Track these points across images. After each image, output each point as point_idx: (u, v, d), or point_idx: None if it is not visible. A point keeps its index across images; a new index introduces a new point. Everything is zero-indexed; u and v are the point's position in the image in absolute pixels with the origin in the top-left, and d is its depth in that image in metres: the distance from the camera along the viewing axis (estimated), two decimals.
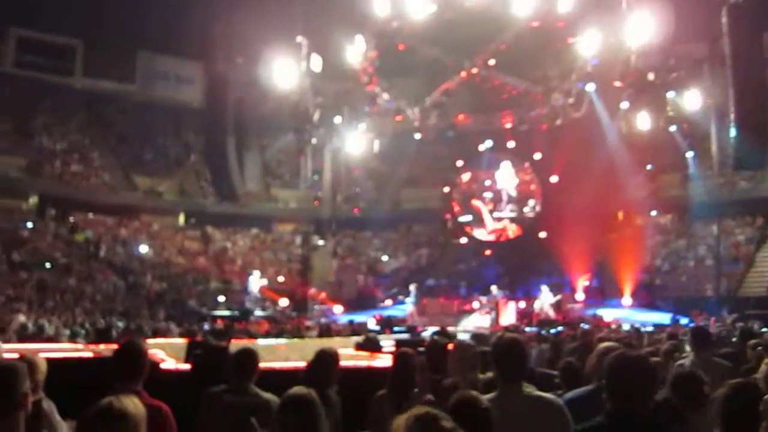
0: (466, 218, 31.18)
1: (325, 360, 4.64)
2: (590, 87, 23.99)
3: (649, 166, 28.03)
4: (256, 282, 24.51)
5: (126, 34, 35.15)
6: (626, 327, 16.44)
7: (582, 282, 24.92)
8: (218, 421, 4.17)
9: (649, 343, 10.29)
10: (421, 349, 6.21)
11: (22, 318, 17.28)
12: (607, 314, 20.91)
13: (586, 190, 25.23)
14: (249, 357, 4.32)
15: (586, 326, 16.10)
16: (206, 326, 17.29)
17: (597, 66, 23.29)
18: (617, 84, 23.81)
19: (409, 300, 23.14)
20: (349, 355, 7.32)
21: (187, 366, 6.28)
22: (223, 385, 4.33)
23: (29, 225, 27.60)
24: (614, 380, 2.91)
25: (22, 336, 13.74)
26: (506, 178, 30.49)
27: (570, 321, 18.76)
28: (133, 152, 35.92)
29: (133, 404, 2.49)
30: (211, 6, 30.94)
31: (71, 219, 30.03)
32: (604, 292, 25.16)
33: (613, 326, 18.19)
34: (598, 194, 25.66)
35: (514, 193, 30.43)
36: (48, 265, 24.67)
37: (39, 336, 12.81)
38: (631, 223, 28.90)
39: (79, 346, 9.58)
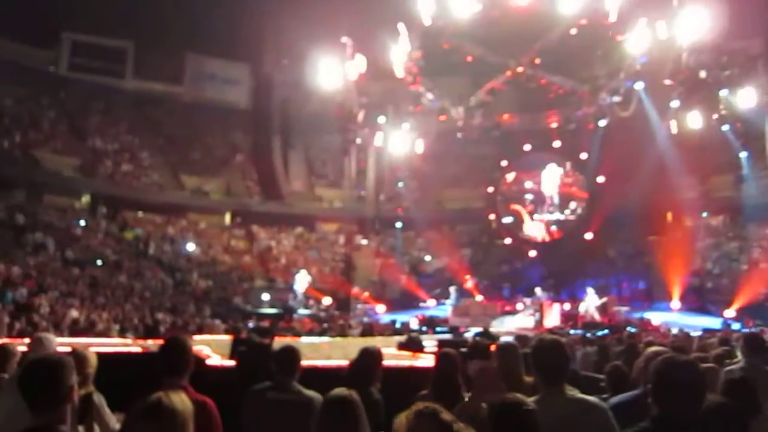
0: (508, 219, 30.88)
1: (369, 358, 4.66)
2: (639, 85, 23.46)
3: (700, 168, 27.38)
4: (302, 281, 24.73)
5: (175, 37, 35.94)
6: (674, 331, 16.05)
7: (629, 284, 24.42)
8: (262, 418, 4.22)
9: (699, 348, 10.02)
10: (464, 349, 6.19)
11: (74, 313, 17.81)
12: (655, 318, 20.41)
13: (634, 190, 24.71)
14: (291, 354, 4.36)
15: (633, 330, 15.74)
16: (251, 324, 17.56)
17: (646, 64, 22.77)
18: (667, 82, 23.23)
19: (449, 302, 22.99)
20: (392, 355, 7.34)
21: (231, 362, 6.38)
22: (267, 381, 4.38)
23: (82, 223, 28.41)
24: (660, 384, 2.81)
25: (75, 330, 14.19)
26: (551, 179, 30.08)
27: (616, 324, 18.38)
28: (181, 152, 36.65)
29: (181, 400, 2.54)
30: (258, 9, 31.37)
31: (121, 217, 30.84)
32: (651, 294, 24.59)
33: (661, 330, 17.79)
34: (647, 195, 25.09)
35: (558, 194, 29.99)
36: (99, 262, 25.34)
37: (90, 331, 13.17)
38: (680, 224, 28.22)
39: (128, 341, 9.81)
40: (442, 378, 4.81)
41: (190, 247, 30.63)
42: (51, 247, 24.52)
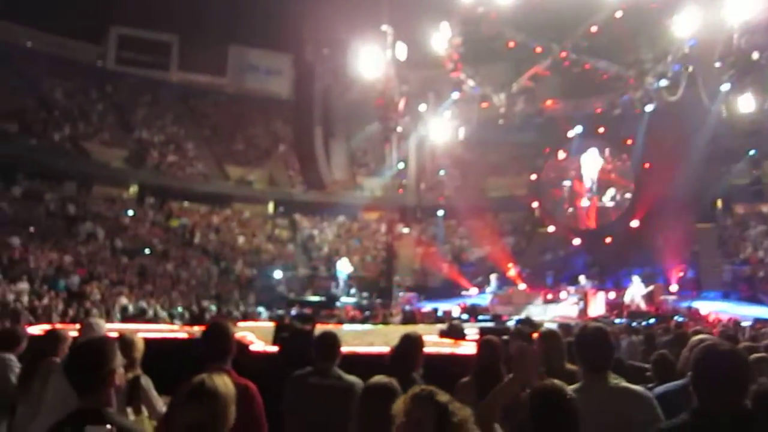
0: (559, 209, 30.37)
1: (410, 344, 4.67)
2: (687, 69, 22.76)
3: (752, 152, 26.49)
4: (344, 267, 24.90)
5: (218, 29, 36.50)
6: (724, 320, 15.63)
7: (676, 273, 23.86)
8: (303, 402, 4.28)
9: (750, 338, 9.75)
10: (506, 337, 6.15)
11: (124, 300, 18.32)
12: (704, 307, 19.90)
13: (682, 177, 24.07)
14: (330, 340, 4.41)
15: (681, 319, 15.39)
16: (293, 311, 17.77)
17: (695, 47, 22.03)
18: (717, 65, 22.47)
19: (490, 290, 22.82)
20: (433, 342, 7.34)
21: (274, 348, 6.48)
22: (309, 367, 4.43)
23: (130, 213, 29.14)
24: (699, 374, 2.65)
25: (124, 317, 14.60)
26: (593, 165, 29.53)
27: (663, 313, 17.99)
28: (225, 143, 37.21)
29: (224, 383, 2.61)
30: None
31: (168, 207, 31.53)
32: (700, 283, 23.99)
33: (710, 319, 17.36)
34: (695, 181, 24.43)
35: (601, 181, 29.42)
36: (147, 251, 25.97)
37: (140, 317, 13.53)
38: (730, 212, 27.41)
39: (176, 327, 10.04)
40: (483, 365, 4.80)
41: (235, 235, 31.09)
42: (101, 236, 25.24)
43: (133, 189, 31.74)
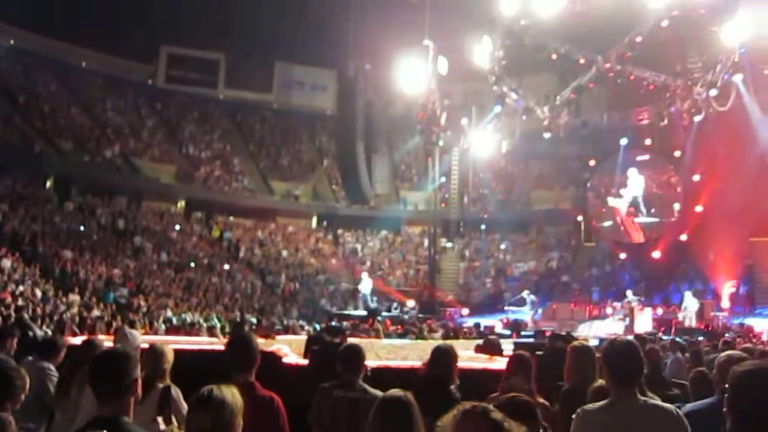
0: (607, 223, 29.63)
1: (441, 356, 4.63)
2: (738, 78, 22.12)
3: None
4: (366, 286, 24.61)
5: (264, 47, 37.18)
6: None
7: (728, 288, 23.06)
8: (329, 414, 4.28)
9: None
10: (540, 352, 6.04)
11: (168, 312, 18.70)
12: (758, 324, 19.17)
13: (734, 189, 23.34)
14: (354, 353, 4.41)
15: (731, 336, 14.84)
16: (333, 324, 17.75)
17: (745, 54, 21.41)
18: None
19: (528, 306, 22.44)
20: (468, 357, 7.26)
21: (305, 361, 6.50)
22: (336, 380, 4.43)
23: (177, 227, 29.79)
24: (736, 395, 2.44)
25: (168, 329, 14.89)
26: (637, 180, 28.82)
27: (713, 330, 17.40)
28: (270, 158, 37.78)
29: (231, 393, 2.64)
30: (343, 15, 31.90)
31: (214, 222, 32.13)
32: (753, 299, 23.14)
33: (764, 337, 16.70)
34: (748, 193, 23.66)
35: (649, 194, 28.70)
36: (193, 264, 26.47)
37: (182, 329, 13.77)
38: None
39: (215, 339, 10.18)
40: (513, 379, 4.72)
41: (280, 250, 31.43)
42: (149, 250, 25.83)
43: (181, 204, 32.46)
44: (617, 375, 3.25)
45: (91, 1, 31.68)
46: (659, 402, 3.32)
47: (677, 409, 3.22)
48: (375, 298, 25.94)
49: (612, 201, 29.53)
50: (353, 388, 4.27)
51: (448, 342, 7.37)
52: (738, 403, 2.44)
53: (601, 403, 3.23)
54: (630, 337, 3.77)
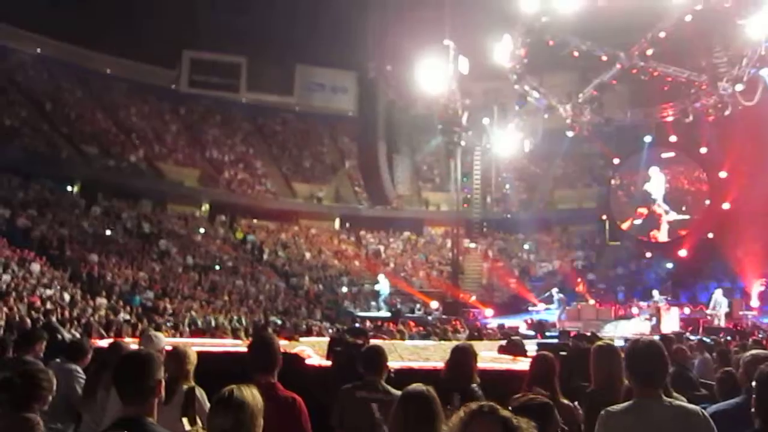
0: (637, 221, 29.23)
1: (462, 355, 4.64)
2: (765, 72, 21.68)
3: None
4: (383, 286, 24.60)
5: (285, 50, 37.38)
6: None
7: (757, 287, 22.63)
8: (351, 415, 4.29)
9: None
10: (563, 353, 5.99)
11: (193, 314, 18.87)
12: None
13: (762, 185, 22.92)
14: (376, 354, 4.42)
15: (761, 336, 14.57)
16: (357, 326, 17.77)
17: None
18: None
19: (553, 307, 22.21)
20: (491, 358, 7.23)
21: (328, 362, 6.52)
22: (359, 381, 4.44)
23: (201, 230, 30.05)
24: (763, 395, 2.50)
25: (193, 331, 15.02)
26: (660, 178, 28.46)
27: (742, 330, 17.08)
28: (292, 160, 37.98)
29: (251, 394, 2.67)
30: (363, 16, 31.95)
31: (237, 225, 32.38)
32: None
33: None
34: None
35: (670, 191, 28.34)
36: (217, 267, 26.68)
37: (207, 331, 13.88)
38: None
39: (239, 341, 10.24)
40: (536, 380, 4.69)
41: (303, 251, 31.59)
42: (174, 253, 26.09)
43: (205, 207, 32.75)
44: (640, 376, 3.22)
45: (113, 8, 32.10)
46: (684, 403, 3.27)
47: (703, 410, 3.17)
48: (396, 299, 25.98)
49: (636, 200, 29.19)
50: (375, 389, 4.27)
51: (468, 342, 7.35)
52: (760, 401, 2.41)
53: (625, 404, 3.19)
54: (654, 337, 3.71)
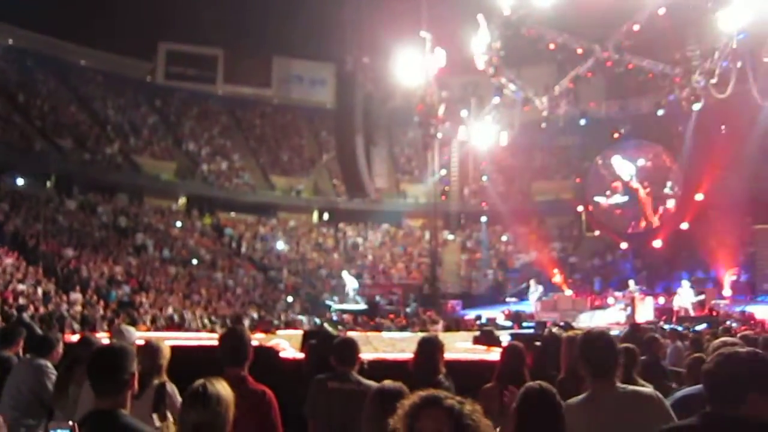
0: (621, 199, 29.49)
1: (428, 347, 4.66)
2: (737, 65, 22.00)
3: None
4: (350, 281, 24.38)
5: (262, 42, 37.12)
6: None
7: (729, 276, 23.04)
8: (323, 406, 4.31)
9: None
10: (537, 343, 6.07)
11: (170, 310, 18.75)
12: (759, 311, 19.15)
13: (735, 176, 23.28)
14: (348, 346, 4.43)
15: (733, 324, 14.85)
16: (334, 318, 17.85)
17: (745, 41, 21.27)
18: None
19: (532, 296, 22.37)
20: (465, 349, 7.30)
21: (302, 355, 6.54)
22: (331, 373, 4.46)
23: (178, 224, 29.82)
24: (711, 378, 2.51)
25: (169, 326, 14.94)
26: (626, 167, 28.87)
27: (715, 318, 17.39)
28: (270, 153, 37.78)
29: (223, 388, 2.68)
30: (339, 7, 31.79)
31: (215, 218, 32.16)
32: (755, 287, 23.12)
33: (767, 325, 16.69)
34: (749, 181, 23.59)
35: (647, 182, 28.73)
36: (195, 261, 26.52)
37: (182, 326, 13.82)
38: None
39: (214, 335, 10.22)
40: (507, 370, 4.76)
41: (280, 245, 31.48)
42: (150, 247, 25.87)
43: (182, 200, 32.49)
44: (593, 366, 3.27)
45: None
46: (638, 388, 3.35)
47: (657, 393, 3.24)
48: (374, 291, 26.00)
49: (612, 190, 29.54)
50: (348, 381, 4.30)
51: (453, 338, 7.43)
52: (708, 383, 2.53)
53: (581, 396, 3.25)
54: (605, 328, 3.80)
